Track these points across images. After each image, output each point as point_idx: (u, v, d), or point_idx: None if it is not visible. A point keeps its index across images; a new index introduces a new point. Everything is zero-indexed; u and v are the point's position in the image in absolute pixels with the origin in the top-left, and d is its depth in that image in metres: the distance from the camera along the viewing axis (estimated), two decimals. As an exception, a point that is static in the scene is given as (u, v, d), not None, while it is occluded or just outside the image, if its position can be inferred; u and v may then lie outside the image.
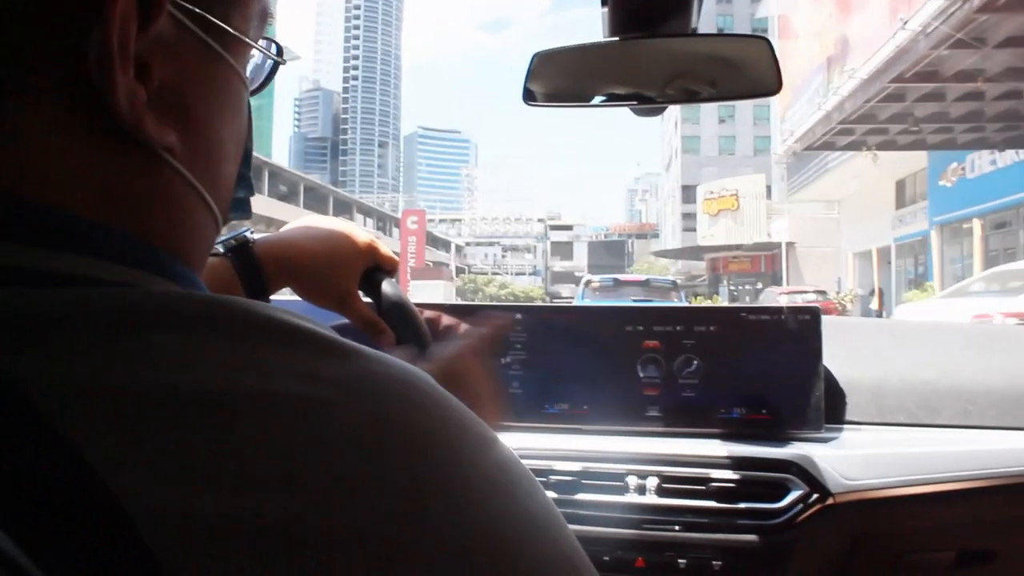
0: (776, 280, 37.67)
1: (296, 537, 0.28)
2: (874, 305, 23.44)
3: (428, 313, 1.08)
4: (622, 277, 18.44)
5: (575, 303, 15.87)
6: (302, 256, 0.87)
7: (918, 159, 23.54)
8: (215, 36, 0.42)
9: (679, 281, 20.37)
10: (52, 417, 0.28)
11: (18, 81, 0.36)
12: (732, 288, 45.79)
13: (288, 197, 43.58)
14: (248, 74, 0.49)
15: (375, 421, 0.33)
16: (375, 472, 0.31)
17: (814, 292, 24.65)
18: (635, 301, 14.35)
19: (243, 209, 0.52)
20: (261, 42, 0.48)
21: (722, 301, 38.02)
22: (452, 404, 0.37)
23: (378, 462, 0.31)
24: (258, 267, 0.84)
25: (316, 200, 47.59)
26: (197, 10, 0.41)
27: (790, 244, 38.02)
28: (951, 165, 21.43)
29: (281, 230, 0.91)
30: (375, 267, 0.92)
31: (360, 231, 0.92)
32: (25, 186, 0.36)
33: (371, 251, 0.91)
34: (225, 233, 0.82)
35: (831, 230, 35.87)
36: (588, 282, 17.47)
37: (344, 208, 53.57)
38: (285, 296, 0.90)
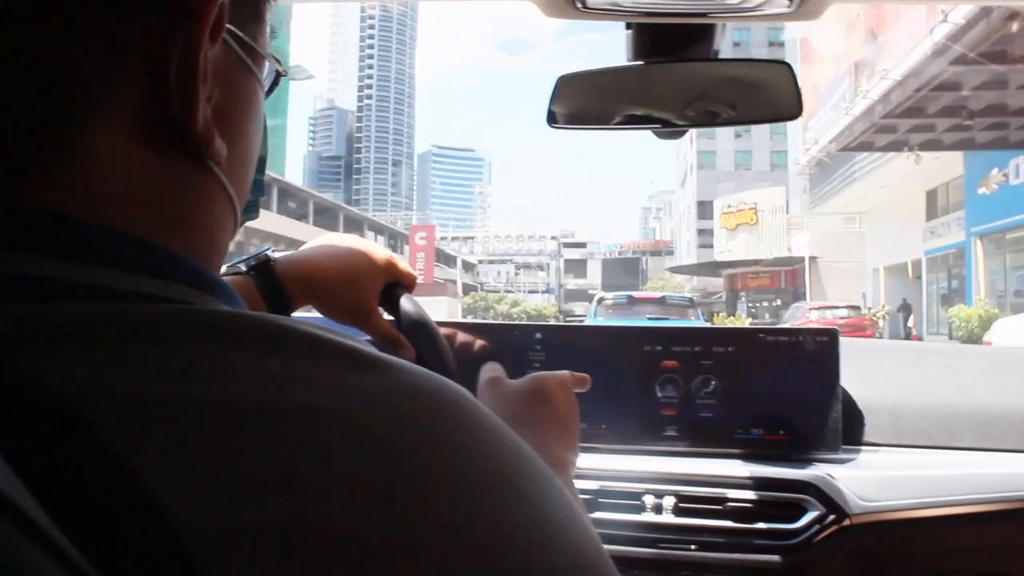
0: (797, 296, 36.17)
1: (341, 548, 0.29)
2: (911, 322, 22.26)
3: (445, 331, 1.10)
4: (637, 294, 17.92)
5: (587, 322, 14.41)
6: (322, 273, 0.89)
7: (950, 169, 22.15)
8: (249, 55, 0.45)
9: (695, 299, 19.51)
10: (99, 427, 0.29)
11: (95, 99, 0.37)
12: (751, 305, 44.55)
13: (298, 215, 43.45)
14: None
15: (413, 433, 0.33)
16: (415, 485, 0.31)
17: (846, 308, 23.48)
18: (651, 319, 13.75)
19: (253, 211, 0.55)
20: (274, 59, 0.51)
21: (743, 319, 36.71)
22: (486, 417, 0.37)
23: (418, 475, 0.32)
24: (280, 285, 0.86)
25: (327, 217, 47.49)
26: (238, 31, 0.43)
27: (812, 259, 36.68)
28: (992, 171, 19.91)
29: (301, 248, 0.93)
30: (394, 283, 0.93)
31: (379, 248, 0.94)
32: (83, 204, 0.37)
33: (390, 267, 0.93)
34: (247, 252, 0.86)
35: (854, 244, 34.55)
36: (601, 300, 16.81)
37: (355, 225, 53.46)
38: (306, 313, 0.90)
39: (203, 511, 0.28)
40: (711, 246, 55.23)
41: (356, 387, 0.34)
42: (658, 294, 18.84)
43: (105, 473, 0.28)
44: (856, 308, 23.70)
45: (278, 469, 0.30)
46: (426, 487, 0.31)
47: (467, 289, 59.88)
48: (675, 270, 61.38)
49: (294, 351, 0.34)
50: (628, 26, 1.11)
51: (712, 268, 48.88)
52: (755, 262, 42.09)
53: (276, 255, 0.88)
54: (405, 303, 0.92)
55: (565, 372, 0.86)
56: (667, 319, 14.13)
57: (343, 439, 0.31)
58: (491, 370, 0.88)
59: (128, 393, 0.30)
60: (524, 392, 0.82)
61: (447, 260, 71.54)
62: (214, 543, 0.27)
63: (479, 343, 1.29)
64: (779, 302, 39.28)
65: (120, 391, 0.30)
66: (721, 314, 39.28)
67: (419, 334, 0.92)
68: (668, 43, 1.13)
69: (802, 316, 22.79)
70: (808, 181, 33.75)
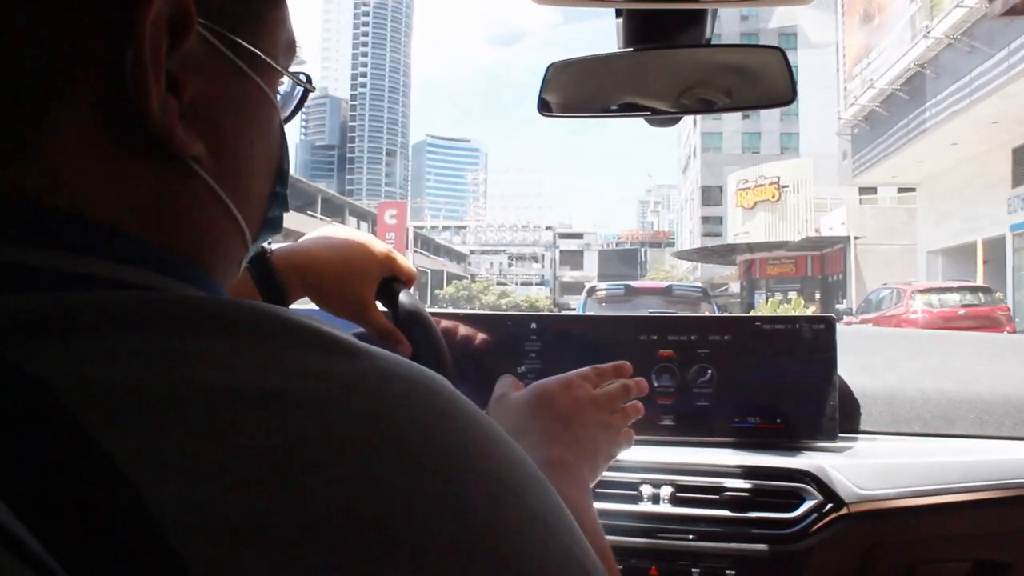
0: (827, 287, 30.71)
1: (329, 536, 0.29)
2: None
3: (445, 323, 1.18)
4: (636, 284, 14.52)
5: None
6: (320, 266, 0.89)
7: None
8: (244, 58, 0.45)
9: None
10: (78, 415, 0.29)
11: (57, 89, 0.37)
12: (769, 295, 36.73)
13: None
14: (279, 101, 0.51)
15: (399, 419, 0.34)
16: (400, 471, 0.32)
17: (968, 290, 16.15)
18: (653, 314, 9.42)
19: (276, 227, 0.54)
20: (293, 73, 0.52)
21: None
22: (469, 408, 0.38)
23: (403, 460, 0.32)
24: (276, 277, 0.86)
25: (302, 199, 45.64)
26: (225, 32, 0.43)
27: (849, 239, 30.73)
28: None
29: (299, 241, 0.93)
30: (392, 278, 0.93)
31: (377, 242, 0.94)
32: (54, 192, 0.38)
33: (388, 261, 0.93)
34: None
35: (899, 223, 29.33)
36: (592, 291, 13.76)
37: (336, 211, 51.83)
38: (303, 306, 0.91)
39: (186, 502, 0.28)
40: (718, 234, 50.83)
41: (342, 374, 0.34)
42: (662, 283, 15.38)
43: (84, 463, 0.28)
44: (985, 291, 16.25)
45: (265, 457, 0.30)
46: (412, 472, 0.32)
47: (451, 278, 55.15)
48: (681, 255, 55.87)
49: (278, 338, 0.35)
50: (618, 13, 1.10)
51: (725, 254, 43.14)
52: (779, 244, 36.48)
53: (273, 247, 0.88)
54: (403, 298, 0.92)
55: (584, 370, 0.87)
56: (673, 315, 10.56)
57: (331, 426, 0.32)
58: (502, 386, 0.87)
59: (110, 383, 0.30)
60: (524, 403, 0.82)
61: (437, 250, 70.31)
62: (197, 534, 0.27)
63: (475, 334, 1.30)
64: (790, 295, 31.75)
65: (102, 380, 0.30)
66: (773, 300, 30.23)
67: (416, 330, 0.92)
68: (659, 29, 1.13)
69: (895, 304, 16.40)
70: (850, 144, 27.39)
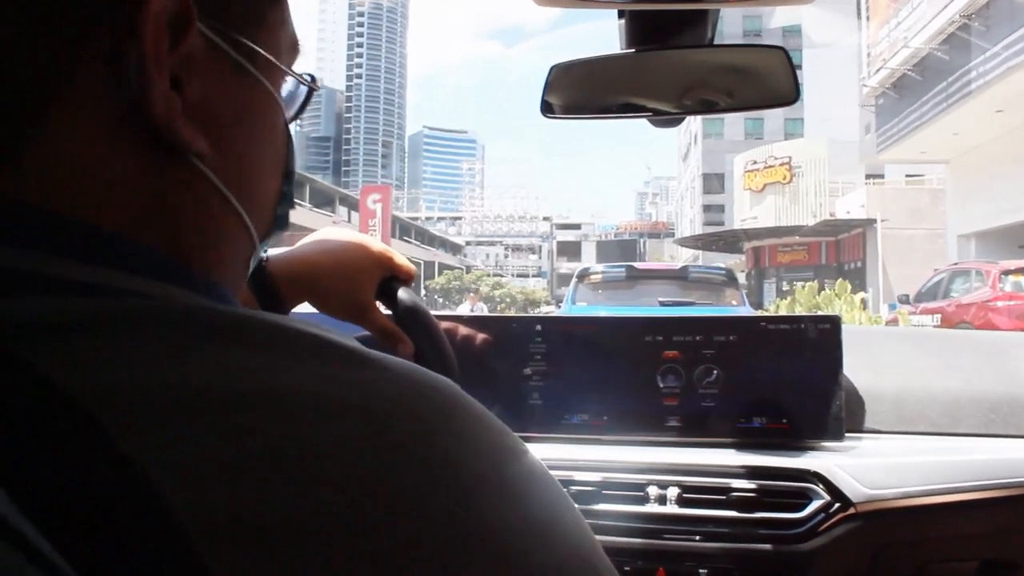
0: (843, 274, 27.67)
1: (350, 538, 0.30)
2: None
3: (444, 324, 1.11)
4: (641, 265, 11.59)
5: (564, 309, 11.38)
6: (317, 271, 0.89)
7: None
8: (247, 56, 0.45)
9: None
10: (97, 418, 0.29)
11: (57, 90, 0.37)
12: (782, 285, 33.94)
13: None
14: (283, 100, 0.51)
15: (416, 427, 0.34)
16: (418, 478, 0.32)
17: None
18: (666, 305, 8.97)
19: (283, 225, 0.55)
20: (297, 72, 0.52)
21: (768, 305, 28.76)
22: (478, 411, 0.38)
23: (421, 468, 0.33)
24: (273, 285, 0.86)
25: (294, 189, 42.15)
26: (227, 30, 0.43)
27: (870, 222, 27.73)
28: None
29: (296, 245, 0.93)
30: (391, 277, 0.93)
31: (374, 242, 0.93)
32: (59, 197, 0.38)
33: (386, 261, 0.92)
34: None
35: (924, 205, 26.79)
36: (584, 274, 10.82)
37: (326, 200, 51.21)
38: (303, 310, 0.91)
39: (208, 503, 0.28)
40: (720, 223, 48.71)
41: (354, 381, 0.35)
42: (675, 265, 12.31)
43: (103, 466, 0.28)
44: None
45: (281, 461, 0.30)
46: (428, 479, 0.33)
47: (440, 270, 53.30)
48: (683, 243, 52.43)
49: (296, 348, 0.36)
50: (620, 14, 1.11)
51: (731, 240, 40.46)
52: (791, 230, 33.74)
53: (269, 253, 0.87)
54: (403, 296, 0.92)
55: None
56: (692, 304, 9.45)
57: (351, 431, 0.32)
58: None
59: (129, 386, 0.31)
60: None
61: (431, 240, 70.00)
62: (219, 537, 0.28)
63: (479, 336, 1.30)
64: (801, 285, 27.53)
65: (120, 384, 0.31)
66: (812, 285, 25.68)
67: (417, 328, 0.91)
68: (661, 30, 1.13)
69: (975, 288, 12.77)
70: (874, 116, 23.97)
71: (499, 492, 0.35)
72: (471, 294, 13.09)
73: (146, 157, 0.40)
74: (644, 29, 1.12)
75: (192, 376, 0.32)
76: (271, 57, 0.46)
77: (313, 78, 0.55)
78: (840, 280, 16.60)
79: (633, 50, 1.15)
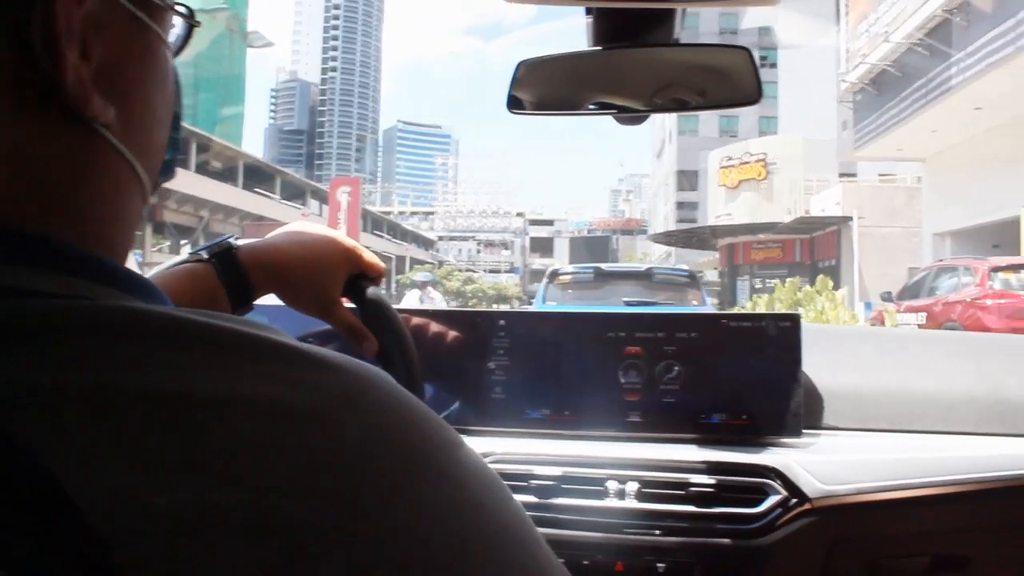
0: (821, 272, 27.33)
1: (261, 531, 0.30)
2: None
3: (413, 321, 1.20)
4: (608, 267, 12.12)
5: (534, 307, 11.48)
6: (287, 261, 0.88)
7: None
8: (140, 6, 0.43)
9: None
10: (4, 418, 0.29)
11: None
12: (754, 282, 34.49)
13: (224, 176, 39.45)
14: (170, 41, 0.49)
15: (353, 421, 0.34)
16: (355, 470, 0.32)
17: None
18: (631, 305, 9.46)
19: (169, 171, 0.53)
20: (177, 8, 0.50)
21: (743, 303, 28.50)
22: (415, 405, 0.38)
23: (343, 460, 0.33)
24: (243, 273, 0.85)
25: (261, 180, 43.86)
26: None
27: (846, 220, 27.46)
28: None
29: (266, 236, 0.92)
30: (360, 274, 0.93)
31: (345, 238, 0.92)
32: None
33: (355, 257, 0.91)
34: (209, 240, 0.87)
35: (899, 204, 26.63)
36: (554, 275, 11.34)
37: (297, 193, 50.91)
38: (269, 302, 0.91)
39: (112, 491, 0.29)
40: (694, 220, 48.70)
41: (271, 376, 0.34)
42: (640, 266, 12.64)
43: (5, 457, 0.29)
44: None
45: (194, 454, 0.30)
46: (362, 476, 0.33)
47: (410, 264, 53.02)
48: (656, 239, 51.84)
49: (204, 344, 0.35)
50: (588, 11, 1.11)
51: (705, 237, 39.68)
52: (766, 227, 33.17)
53: (239, 242, 0.87)
54: (370, 295, 0.92)
55: None
56: (655, 304, 9.90)
57: (292, 431, 0.32)
58: None
59: (30, 384, 0.31)
60: None
61: (403, 235, 69.69)
62: (125, 521, 0.28)
63: (443, 331, 1.30)
64: (774, 283, 27.13)
65: (22, 381, 0.31)
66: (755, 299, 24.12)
67: (383, 327, 0.91)
68: (628, 28, 1.13)
69: (963, 285, 12.26)
70: (851, 113, 23.61)
71: (436, 481, 0.35)
72: (420, 284, 12.60)
73: (52, 136, 0.38)
74: (611, 27, 1.13)
75: (103, 375, 0.31)
76: (164, 2, 0.44)
77: (191, 11, 0.52)
78: (821, 276, 16.30)
79: (600, 48, 1.16)
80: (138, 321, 0.35)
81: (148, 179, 0.46)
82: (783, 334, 1.28)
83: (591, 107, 1.22)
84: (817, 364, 1.34)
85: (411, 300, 11.92)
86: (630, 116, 1.23)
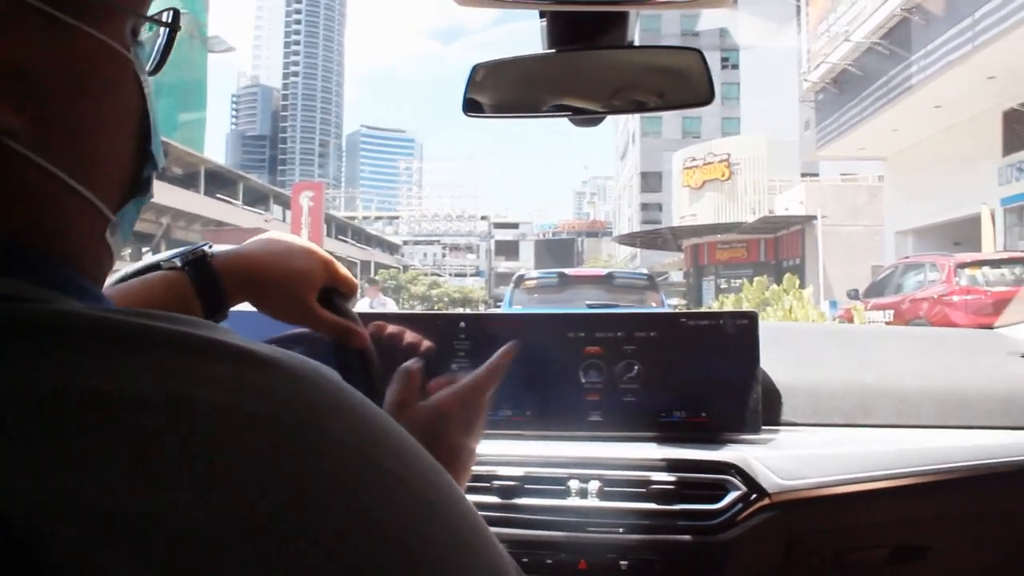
0: (782, 272, 27.72)
1: (199, 537, 0.29)
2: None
3: (374, 324, 1.14)
4: (572, 272, 12.51)
5: (503, 310, 11.58)
6: (261, 269, 0.87)
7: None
8: (62, 6, 0.40)
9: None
10: None
11: None
12: (719, 283, 35.01)
13: (186, 182, 38.25)
14: (133, 47, 0.46)
15: (284, 424, 0.33)
16: (282, 470, 0.32)
17: None
18: (593, 308, 9.01)
19: (145, 189, 0.49)
20: (157, 12, 0.47)
21: (709, 303, 28.61)
22: (363, 401, 0.38)
23: (291, 464, 0.32)
24: (216, 281, 0.84)
25: (223, 185, 43.04)
26: None
27: (810, 219, 27.64)
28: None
29: (241, 244, 0.91)
30: (333, 288, 0.92)
31: (319, 249, 0.92)
32: None
33: (330, 270, 0.90)
34: (183, 247, 0.85)
35: (861, 203, 26.90)
36: (520, 280, 11.70)
37: (260, 199, 49.77)
38: (243, 309, 0.90)
39: (43, 496, 0.28)
40: (658, 222, 48.76)
41: (213, 378, 0.33)
42: (602, 271, 12.80)
43: None
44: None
45: (131, 457, 0.30)
46: (311, 474, 0.32)
47: (376, 269, 52.74)
48: (622, 240, 53.74)
49: (147, 346, 0.34)
50: (542, 15, 1.11)
51: (670, 237, 40.35)
52: (730, 227, 33.61)
53: (213, 250, 0.85)
54: (343, 309, 0.92)
55: (465, 382, 0.84)
56: (616, 306, 10.00)
57: (210, 427, 0.31)
58: (395, 391, 0.83)
59: None
60: (419, 426, 0.78)
61: (368, 240, 69.33)
62: (54, 523, 0.28)
63: (404, 334, 1.28)
64: (739, 282, 26.89)
65: None
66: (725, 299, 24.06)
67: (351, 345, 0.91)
68: (581, 31, 1.14)
69: (929, 282, 12.22)
70: (813, 113, 24.22)
71: (383, 478, 0.34)
72: (369, 287, 12.53)
73: None
74: (565, 29, 1.14)
75: (38, 377, 0.31)
76: (102, 2, 0.41)
77: (176, 13, 0.49)
78: (788, 275, 16.34)
79: (554, 50, 1.17)
80: (62, 322, 0.34)
81: (104, 196, 0.44)
82: (741, 332, 1.29)
83: (548, 109, 1.22)
84: (776, 361, 1.35)
85: (362, 306, 11.78)
86: (586, 118, 1.23)
